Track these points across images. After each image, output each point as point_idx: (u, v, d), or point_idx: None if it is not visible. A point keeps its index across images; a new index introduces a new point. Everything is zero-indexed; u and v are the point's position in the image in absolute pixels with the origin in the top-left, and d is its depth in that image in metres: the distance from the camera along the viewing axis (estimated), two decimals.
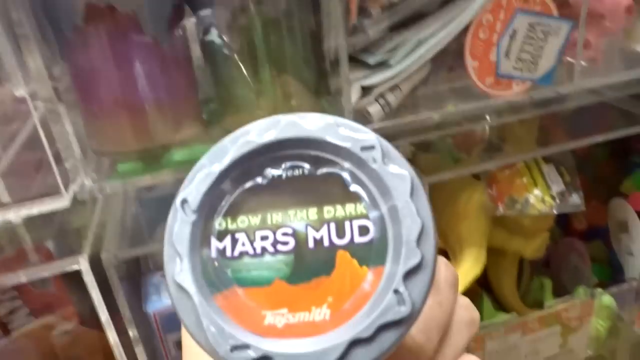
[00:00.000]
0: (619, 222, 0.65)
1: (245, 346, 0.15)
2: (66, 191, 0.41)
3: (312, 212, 0.16)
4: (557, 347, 0.63)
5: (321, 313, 0.16)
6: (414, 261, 0.15)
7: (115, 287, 0.44)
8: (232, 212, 0.17)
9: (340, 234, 0.16)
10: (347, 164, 0.17)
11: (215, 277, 0.16)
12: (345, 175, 0.17)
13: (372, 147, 0.16)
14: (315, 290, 0.16)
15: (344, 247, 0.16)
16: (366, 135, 0.17)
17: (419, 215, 0.16)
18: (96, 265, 0.44)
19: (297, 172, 0.17)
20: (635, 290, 0.64)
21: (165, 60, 0.41)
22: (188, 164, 0.44)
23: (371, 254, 0.16)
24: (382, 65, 0.45)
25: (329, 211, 0.16)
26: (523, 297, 0.73)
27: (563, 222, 0.78)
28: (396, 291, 0.15)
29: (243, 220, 0.16)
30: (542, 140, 0.63)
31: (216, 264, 0.16)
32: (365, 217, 0.16)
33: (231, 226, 0.16)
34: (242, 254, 0.16)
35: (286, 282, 0.16)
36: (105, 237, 0.46)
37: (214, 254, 0.16)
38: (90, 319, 0.49)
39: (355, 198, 0.16)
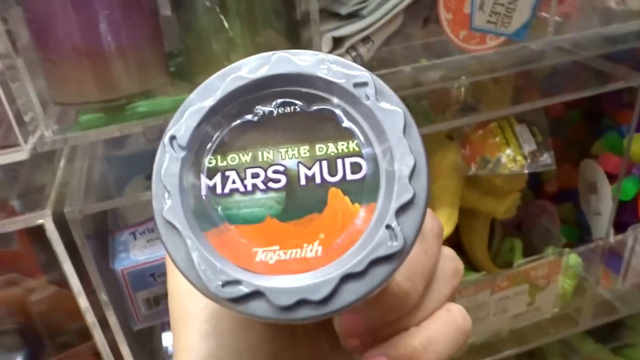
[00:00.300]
0: (588, 184, 0.66)
1: (237, 282, 0.15)
2: (25, 143, 0.39)
3: (304, 150, 0.16)
4: (524, 305, 0.64)
5: (313, 249, 0.16)
6: (406, 197, 0.15)
7: (81, 243, 0.43)
8: (222, 150, 0.16)
9: (332, 171, 0.16)
10: (339, 101, 0.16)
11: (206, 214, 0.16)
12: (338, 112, 0.16)
13: (365, 84, 0.16)
14: (307, 227, 0.16)
15: (336, 185, 0.16)
16: (359, 71, 0.16)
17: (411, 152, 0.16)
18: (62, 223, 0.43)
19: (288, 109, 0.17)
20: (601, 250, 0.65)
21: (128, 5, 0.39)
22: (153, 116, 0.42)
23: (363, 191, 0.16)
24: (354, 15, 0.44)
25: (320, 148, 0.16)
26: (494, 258, 0.75)
27: (535, 185, 0.79)
28: (388, 226, 0.15)
29: (233, 158, 0.16)
30: (517, 100, 0.63)
31: (206, 201, 0.16)
32: (358, 154, 0.16)
33: (221, 163, 0.16)
34: (232, 191, 0.16)
35: (278, 219, 0.16)
36: (70, 192, 0.45)
37: (204, 191, 0.16)
38: (60, 281, 0.49)
39: (347, 135, 0.16)
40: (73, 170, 0.50)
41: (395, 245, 0.15)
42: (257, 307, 0.15)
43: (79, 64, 0.40)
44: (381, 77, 0.17)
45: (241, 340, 0.21)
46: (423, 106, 0.69)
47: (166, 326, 0.53)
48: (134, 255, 0.48)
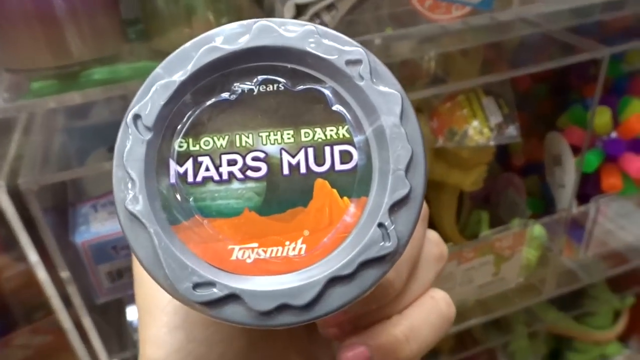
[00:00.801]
0: (553, 156, 0.67)
1: (210, 283, 0.14)
2: None
3: (288, 135, 0.15)
4: (490, 275, 0.65)
5: (296, 248, 0.14)
6: (401, 192, 0.14)
7: (37, 216, 0.42)
8: (195, 132, 0.15)
9: (319, 160, 0.15)
10: (329, 80, 0.15)
11: (175, 206, 0.14)
12: (327, 93, 0.15)
13: (358, 62, 0.14)
14: (290, 222, 0.14)
15: (323, 175, 0.14)
16: (352, 47, 0.15)
17: (409, 141, 0.14)
18: (20, 196, 0.42)
19: (271, 88, 0.15)
20: (564, 221, 0.67)
21: None
22: (110, 84, 0.41)
23: (354, 183, 0.14)
24: None
25: (306, 134, 0.15)
26: (462, 230, 0.76)
27: (503, 158, 0.79)
28: (381, 225, 0.14)
29: (207, 142, 0.15)
30: (485, 73, 0.63)
31: (175, 190, 0.14)
32: (348, 141, 0.15)
33: (193, 147, 0.15)
34: (205, 179, 0.14)
35: (257, 213, 0.14)
36: (25, 163, 0.44)
37: (172, 179, 0.14)
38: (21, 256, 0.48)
39: (337, 120, 0.15)
40: (30, 142, 0.48)
41: (388, 246, 0.14)
42: (233, 312, 0.14)
43: (29, 28, 0.38)
44: None
45: (213, 333, 0.19)
46: None
47: (131, 299, 0.52)
48: (95, 227, 0.47)
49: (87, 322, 0.48)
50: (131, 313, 0.51)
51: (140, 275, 0.21)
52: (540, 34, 0.62)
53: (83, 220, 0.48)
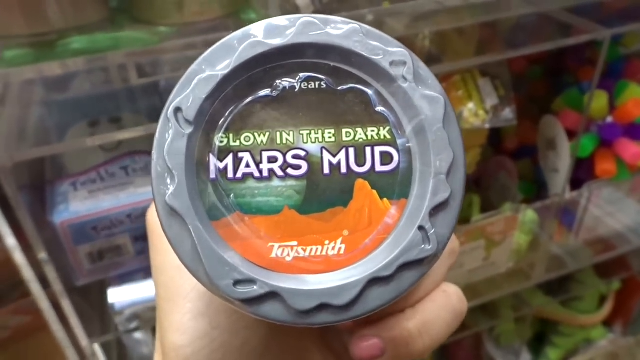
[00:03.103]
0: (547, 140, 0.66)
1: (251, 281, 0.14)
2: None
3: (329, 134, 0.14)
4: (480, 260, 0.65)
5: (335, 247, 0.14)
6: (442, 196, 0.14)
7: (12, 194, 0.40)
8: (236, 127, 0.14)
9: (360, 160, 0.14)
10: (372, 81, 0.15)
11: (215, 201, 0.14)
12: (370, 93, 0.15)
13: (403, 63, 0.14)
14: (330, 222, 0.14)
15: (364, 176, 0.14)
16: (396, 47, 0.14)
17: (451, 145, 0.14)
18: None
19: (313, 85, 0.15)
20: (556, 206, 0.66)
21: None
22: (88, 54, 0.38)
23: (394, 185, 0.14)
24: None
25: (348, 133, 0.15)
26: None
27: (495, 141, 0.78)
28: (421, 228, 0.14)
29: (248, 138, 0.14)
30: (481, 53, 0.61)
31: (216, 186, 0.14)
32: (390, 143, 0.15)
33: (234, 143, 0.14)
34: (246, 176, 0.14)
35: (297, 211, 0.14)
36: None
37: (213, 174, 0.14)
38: None
39: (379, 120, 0.15)
40: (4, 115, 0.45)
41: (428, 249, 0.14)
42: (272, 310, 0.14)
43: None
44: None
45: (236, 320, 0.19)
46: None
47: (114, 281, 0.50)
48: (75, 207, 0.45)
49: (67, 305, 0.46)
50: (113, 295, 0.49)
51: (162, 263, 0.20)
52: (537, 13, 0.60)
53: (62, 199, 0.46)
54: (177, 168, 0.14)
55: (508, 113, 0.55)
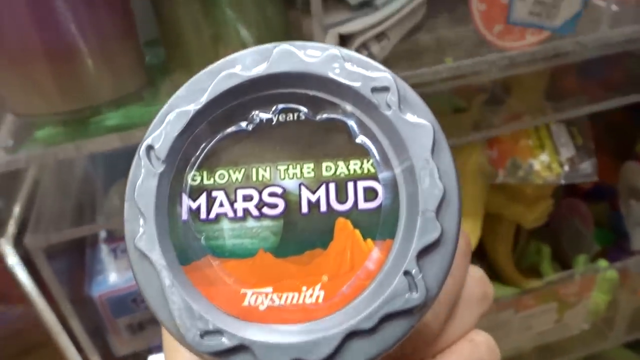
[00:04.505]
0: (630, 187, 0.59)
1: (218, 332, 0.13)
2: None
3: (308, 168, 0.14)
4: (552, 322, 0.58)
5: (313, 295, 0.13)
6: (431, 236, 0.13)
7: (47, 275, 0.38)
8: (209, 164, 0.14)
9: (342, 197, 0.14)
10: (353, 109, 0.14)
11: (186, 244, 0.14)
12: (351, 124, 0.14)
13: (385, 89, 0.13)
14: (308, 266, 0.13)
15: (345, 214, 0.13)
16: (379, 72, 0.13)
17: (440, 178, 0.13)
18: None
19: (291, 117, 0.14)
20: None
21: None
22: (124, 130, 0.35)
23: (378, 224, 0.13)
24: (366, 6, 0.36)
25: (328, 168, 0.14)
26: (519, 260, 0.68)
27: None
28: (407, 273, 0.13)
29: (222, 175, 0.14)
30: (552, 92, 0.55)
31: (187, 227, 0.14)
32: (373, 177, 0.14)
33: (207, 181, 0.14)
34: (219, 216, 0.14)
35: (272, 254, 0.14)
36: (35, 215, 0.39)
37: (185, 215, 0.14)
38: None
39: (361, 153, 0.14)
40: (40, 192, 0.43)
41: (415, 297, 0.13)
42: None
43: (34, 68, 0.33)
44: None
45: None
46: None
47: (154, 350, 0.48)
48: (113, 278, 0.43)
49: None
50: None
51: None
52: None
53: (101, 267, 0.44)
54: (147, 209, 0.13)
55: (587, 167, 0.48)
